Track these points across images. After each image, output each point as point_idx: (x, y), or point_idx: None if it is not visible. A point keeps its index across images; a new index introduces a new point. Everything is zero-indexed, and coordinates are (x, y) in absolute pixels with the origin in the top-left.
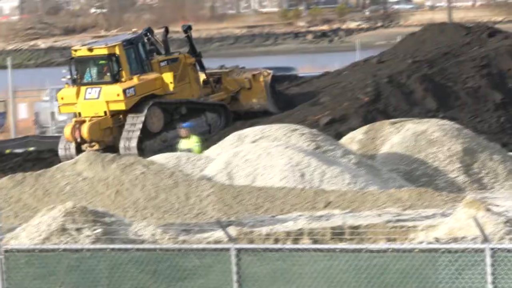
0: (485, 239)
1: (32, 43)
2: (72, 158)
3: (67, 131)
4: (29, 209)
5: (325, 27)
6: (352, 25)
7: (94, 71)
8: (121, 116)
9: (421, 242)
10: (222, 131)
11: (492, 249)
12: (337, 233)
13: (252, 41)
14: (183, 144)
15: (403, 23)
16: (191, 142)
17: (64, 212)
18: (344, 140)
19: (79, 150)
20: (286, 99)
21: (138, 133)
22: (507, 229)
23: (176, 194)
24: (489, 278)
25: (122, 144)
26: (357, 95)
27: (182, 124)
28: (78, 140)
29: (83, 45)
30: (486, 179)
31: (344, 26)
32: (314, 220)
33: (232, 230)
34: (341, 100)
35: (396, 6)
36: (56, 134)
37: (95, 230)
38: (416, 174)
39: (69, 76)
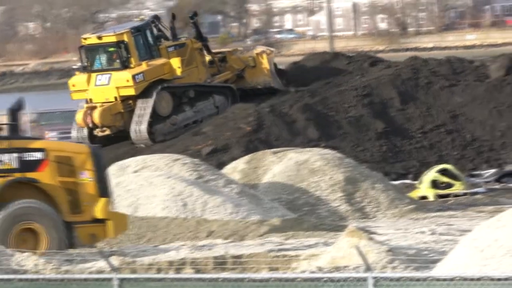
0: (368, 268)
1: None
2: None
3: (79, 117)
4: None
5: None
6: None
7: (103, 58)
8: (131, 101)
9: (303, 271)
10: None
11: (374, 278)
12: (220, 263)
13: None
14: None
15: (285, 52)
16: None
17: None
18: (227, 169)
19: (91, 135)
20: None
21: (148, 117)
22: (390, 258)
23: None
24: None
25: (132, 128)
26: (239, 125)
27: None
28: (90, 125)
29: (92, 33)
30: (368, 208)
31: None
32: (197, 249)
33: (115, 260)
34: (223, 129)
35: (278, 36)
36: None
37: None
38: (298, 203)
39: (79, 64)
